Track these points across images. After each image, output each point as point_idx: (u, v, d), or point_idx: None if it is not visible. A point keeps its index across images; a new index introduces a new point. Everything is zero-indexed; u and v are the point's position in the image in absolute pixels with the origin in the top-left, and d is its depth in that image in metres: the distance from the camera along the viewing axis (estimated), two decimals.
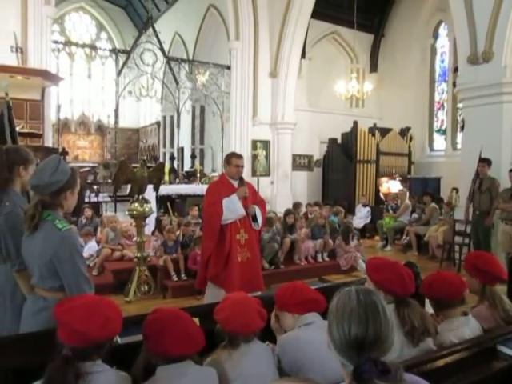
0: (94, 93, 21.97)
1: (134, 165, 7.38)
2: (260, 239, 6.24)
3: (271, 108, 11.61)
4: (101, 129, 21.13)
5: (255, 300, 2.08)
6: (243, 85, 11.37)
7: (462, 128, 7.51)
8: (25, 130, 7.53)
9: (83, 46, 17.13)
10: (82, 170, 9.14)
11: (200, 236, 5.42)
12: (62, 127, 17.34)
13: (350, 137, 11.36)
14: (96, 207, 9.43)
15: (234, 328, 1.90)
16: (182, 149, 15.92)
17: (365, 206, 10.33)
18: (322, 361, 1.78)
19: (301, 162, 12.33)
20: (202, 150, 16.30)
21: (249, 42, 11.33)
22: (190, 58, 14.51)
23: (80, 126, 20.90)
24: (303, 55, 12.02)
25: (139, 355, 1.75)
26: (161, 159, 17.79)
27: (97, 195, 10.99)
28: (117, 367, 1.67)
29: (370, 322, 1.11)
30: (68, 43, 13.73)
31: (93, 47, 18.62)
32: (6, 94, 4.36)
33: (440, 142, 12.39)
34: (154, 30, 11.16)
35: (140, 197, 5.35)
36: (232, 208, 4.03)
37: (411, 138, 11.95)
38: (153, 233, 7.01)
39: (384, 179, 11.18)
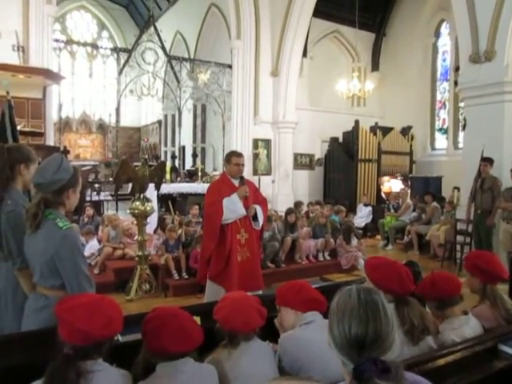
0: (95, 91, 21.98)
1: (135, 163, 7.38)
2: (261, 238, 6.27)
3: (272, 107, 11.61)
4: (102, 127, 21.17)
5: (254, 298, 2.08)
6: (244, 84, 11.37)
7: (464, 127, 7.48)
8: (26, 129, 7.53)
9: (84, 44, 17.11)
10: (83, 169, 9.13)
11: (201, 235, 5.41)
12: (64, 126, 17.38)
13: (352, 136, 11.36)
14: (97, 206, 9.44)
15: (233, 326, 1.90)
16: (184, 147, 15.93)
17: (366, 205, 10.32)
18: (323, 360, 1.78)
19: (302, 161, 12.33)
20: (203, 149, 16.31)
21: (250, 40, 11.33)
22: (192, 56, 14.51)
23: (81, 124, 20.95)
24: (305, 54, 12.00)
25: (139, 354, 1.75)
26: (162, 158, 17.81)
27: (98, 194, 10.98)
28: (117, 365, 1.68)
29: (370, 321, 1.11)
30: (69, 42, 13.71)
31: (94, 46, 18.60)
32: (8, 93, 4.36)
33: (441, 141, 12.38)
34: (156, 29, 11.16)
35: (141, 195, 5.36)
36: (232, 208, 4.01)
37: (413, 137, 11.94)
38: (155, 231, 7.01)
39: (385, 178, 11.17)
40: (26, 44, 8.28)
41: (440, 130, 12.51)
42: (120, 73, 10.93)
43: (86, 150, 20.83)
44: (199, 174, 11.11)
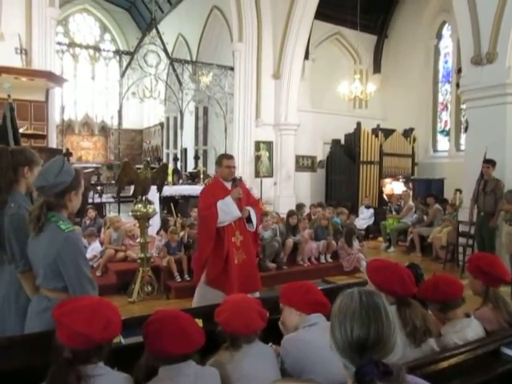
0: (97, 94, 22.05)
1: (137, 166, 7.40)
2: (260, 239, 6.27)
3: (274, 109, 11.62)
4: (104, 130, 21.22)
5: (255, 301, 2.08)
6: (246, 86, 11.39)
7: (466, 129, 7.48)
8: (29, 131, 7.56)
9: (87, 47, 17.10)
10: (85, 171, 9.15)
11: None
12: (66, 128, 17.39)
13: (354, 138, 11.35)
14: (99, 208, 9.44)
15: (234, 329, 1.90)
16: (186, 150, 15.91)
17: (368, 207, 10.31)
18: (325, 362, 1.78)
19: (304, 163, 12.33)
20: (205, 151, 16.30)
21: (252, 43, 11.36)
22: (194, 59, 14.52)
23: (84, 127, 21.00)
24: (306, 56, 12.02)
25: (141, 357, 1.75)
26: (164, 160, 17.80)
27: (100, 196, 11.00)
28: (119, 368, 1.68)
29: (372, 324, 1.11)
30: (72, 45, 13.77)
31: (96, 49, 18.51)
32: (9, 96, 4.38)
33: (444, 143, 12.37)
34: (158, 32, 11.18)
35: (143, 198, 5.37)
36: (227, 210, 4.01)
37: (415, 139, 11.92)
38: (158, 232, 7.02)
39: (387, 180, 11.16)
40: (29, 47, 8.32)
41: (442, 131, 12.50)
42: (122, 75, 10.94)
43: (88, 152, 20.88)
44: (201, 176, 11.10)
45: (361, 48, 12.96)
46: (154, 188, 5.75)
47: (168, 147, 19.10)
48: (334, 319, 1.18)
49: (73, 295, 1.99)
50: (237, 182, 4.25)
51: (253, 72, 11.41)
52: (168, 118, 18.78)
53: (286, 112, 11.51)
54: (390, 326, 1.13)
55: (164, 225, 6.83)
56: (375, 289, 2.02)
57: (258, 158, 11.47)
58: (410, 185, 10.72)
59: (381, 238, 9.55)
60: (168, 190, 9.05)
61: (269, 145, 11.66)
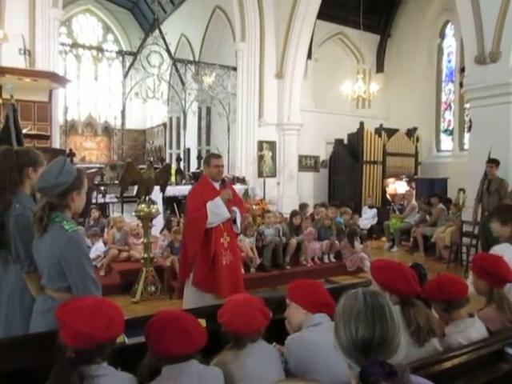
0: (100, 94, 22.12)
1: (140, 166, 7.41)
2: (260, 234, 6.27)
3: (277, 109, 11.62)
4: (107, 130, 21.27)
5: (258, 300, 2.08)
6: (249, 86, 11.39)
7: (469, 128, 7.45)
8: (32, 132, 7.60)
9: (90, 48, 17.19)
10: (88, 171, 9.16)
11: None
12: (70, 129, 17.48)
13: (357, 137, 11.34)
14: (103, 208, 9.47)
15: (237, 328, 1.90)
16: (189, 150, 15.94)
17: (371, 207, 10.29)
18: (329, 362, 1.78)
19: (307, 163, 12.32)
20: (208, 151, 16.29)
21: (255, 43, 11.36)
22: (196, 59, 14.53)
23: (87, 127, 21.06)
24: (309, 56, 12.02)
25: (145, 358, 1.76)
26: (167, 160, 17.83)
27: (104, 196, 11.02)
28: (123, 368, 1.68)
29: (376, 324, 1.11)
30: (75, 45, 13.81)
31: (99, 49, 18.62)
32: (12, 97, 4.39)
33: (447, 143, 12.34)
34: (161, 32, 11.20)
35: (147, 198, 5.38)
36: (217, 212, 3.98)
37: (418, 139, 11.90)
38: (161, 232, 7.03)
39: (390, 180, 11.14)
40: (33, 47, 8.35)
41: (445, 131, 12.47)
42: (125, 76, 10.97)
43: (91, 153, 20.93)
44: None
45: (364, 48, 12.93)
46: (157, 188, 5.76)
47: (171, 147, 19.13)
48: (338, 319, 1.18)
49: (76, 295, 2.00)
50: (225, 182, 4.23)
51: (255, 72, 11.41)
52: (171, 119, 18.81)
53: (289, 112, 11.51)
54: (395, 326, 1.13)
55: (167, 225, 6.85)
56: (379, 288, 2.03)
57: (260, 158, 11.46)
58: (413, 184, 10.70)
59: (384, 238, 9.54)
60: (171, 190, 9.07)
61: (272, 145, 11.66)
